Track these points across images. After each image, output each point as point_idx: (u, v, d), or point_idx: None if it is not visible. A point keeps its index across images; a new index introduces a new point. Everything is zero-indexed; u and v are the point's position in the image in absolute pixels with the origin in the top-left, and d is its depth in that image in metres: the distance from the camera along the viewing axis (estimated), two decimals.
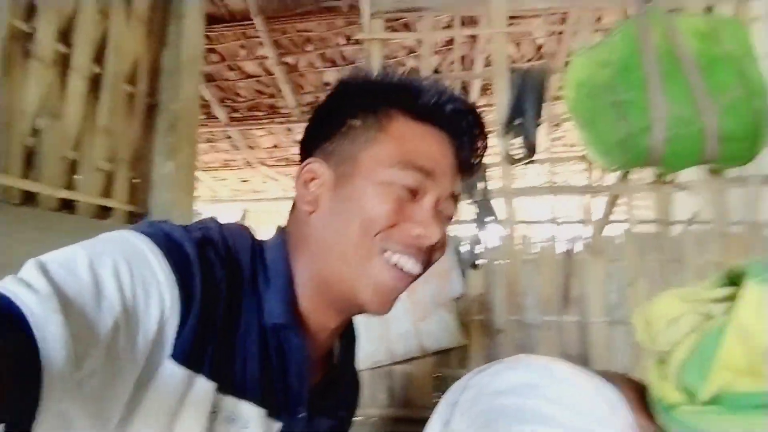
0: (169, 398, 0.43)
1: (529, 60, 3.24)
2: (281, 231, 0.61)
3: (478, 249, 1.89)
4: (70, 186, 1.39)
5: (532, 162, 1.78)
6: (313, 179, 0.59)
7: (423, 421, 0.56)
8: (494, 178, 1.91)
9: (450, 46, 3.35)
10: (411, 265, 0.55)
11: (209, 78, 4.07)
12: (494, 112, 1.83)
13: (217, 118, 4.59)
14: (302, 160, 0.63)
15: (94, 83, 1.51)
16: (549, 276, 1.91)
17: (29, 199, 1.25)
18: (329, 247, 0.55)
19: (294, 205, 0.62)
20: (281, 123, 4.64)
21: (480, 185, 1.84)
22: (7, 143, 1.19)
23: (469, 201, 1.86)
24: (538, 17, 2.75)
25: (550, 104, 2.06)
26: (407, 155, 0.55)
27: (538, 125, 1.76)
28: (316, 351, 0.60)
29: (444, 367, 1.89)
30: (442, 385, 1.88)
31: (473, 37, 3.18)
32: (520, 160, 1.76)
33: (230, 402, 0.49)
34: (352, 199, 0.55)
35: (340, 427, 0.67)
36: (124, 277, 0.41)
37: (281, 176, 5.84)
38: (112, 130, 1.59)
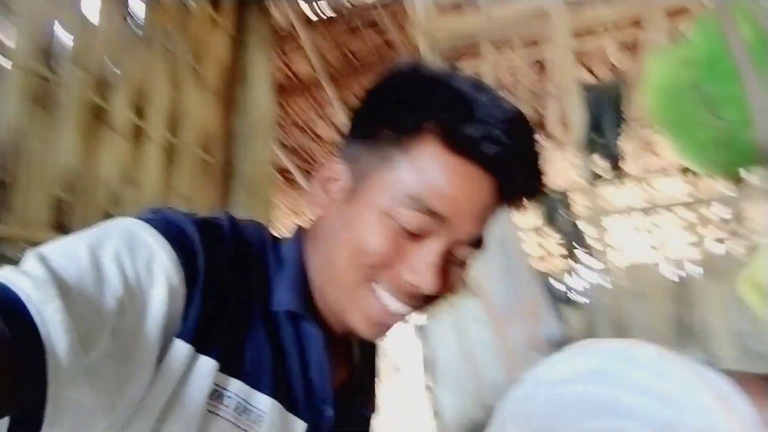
0: (173, 376, 0.43)
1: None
2: (299, 228, 0.58)
3: (571, 283, 1.70)
4: None
5: (618, 177, 1.62)
6: (331, 179, 0.52)
7: None
8: (577, 202, 1.75)
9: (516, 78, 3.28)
10: (397, 306, 0.49)
11: (293, 150, 4.30)
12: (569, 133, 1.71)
13: (300, 185, 4.81)
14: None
15: (170, 151, 1.60)
16: (660, 310, 1.66)
17: None
18: (324, 262, 0.52)
19: None
20: None
21: (562, 213, 1.69)
22: (86, 210, 1.26)
23: (553, 231, 1.71)
24: (607, 32, 2.62)
25: (634, 119, 1.89)
26: (421, 193, 0.45)
27: (619, 138, 1.60)
28: (334, 346, 0.56)
29: None
30: None
31: (541, 65, 3.09)
32: (603, 176, 1.60)
33: (240, 387, 0.47)
34: (350, 221, 0.49)
35: (362, 427, 0.63)
36: (125, 260, 0.41)
37: None
38: (190, 195, 1.67)
